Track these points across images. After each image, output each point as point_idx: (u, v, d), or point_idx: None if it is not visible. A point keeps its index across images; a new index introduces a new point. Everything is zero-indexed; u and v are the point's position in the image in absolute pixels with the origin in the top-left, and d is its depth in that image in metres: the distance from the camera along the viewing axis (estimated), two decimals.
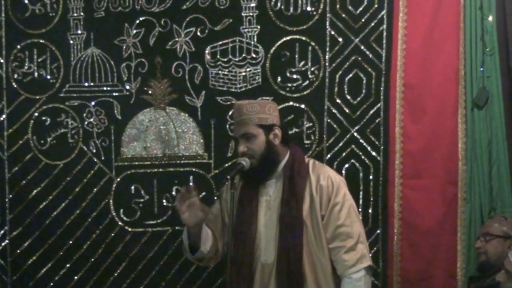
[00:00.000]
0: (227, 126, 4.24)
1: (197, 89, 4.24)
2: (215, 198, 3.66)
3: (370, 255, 4.08)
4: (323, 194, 3.35)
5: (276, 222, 3.35)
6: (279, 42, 4.20)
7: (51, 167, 4.27)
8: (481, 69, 4.08)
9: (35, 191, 4.26)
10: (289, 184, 3.36)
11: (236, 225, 3.34)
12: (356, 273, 3.28)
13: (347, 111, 4.17)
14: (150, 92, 4.26)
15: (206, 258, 3.44)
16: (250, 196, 3.42)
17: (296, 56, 4.20)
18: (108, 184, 4.27)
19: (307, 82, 4.20)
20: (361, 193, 4.14)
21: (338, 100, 4.18)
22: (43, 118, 4.29)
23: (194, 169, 4.25)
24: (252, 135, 3.36)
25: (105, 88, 4.28)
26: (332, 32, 4.17)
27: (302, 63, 4.20)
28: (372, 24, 4.14)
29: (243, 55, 4.22)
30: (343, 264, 3.30)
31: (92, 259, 4.25)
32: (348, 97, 4.18)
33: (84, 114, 4.29)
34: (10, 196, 4.28)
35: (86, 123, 4.29)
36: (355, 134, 4.17)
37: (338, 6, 4.16)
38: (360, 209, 4.12)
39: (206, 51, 4.24)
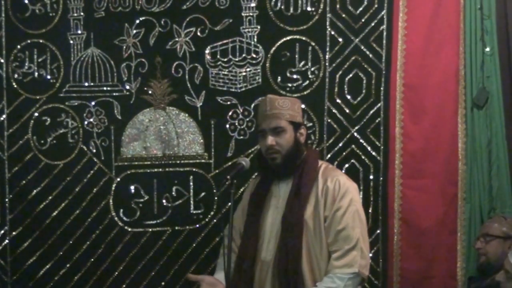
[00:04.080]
0: (227, 126, 4.24)
1: (197, 89, 4.24)
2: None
3: (370, 254, 4.10)
4: (328, 195, 3.33)
5: (280, 221, 3.37)
6: (279, 42, 4.20)
7: (51, 167, 4.27)
8: (481, 69, 4.08)
9: (35, 191, 4.26)
10: (297, 185, 3.37)
11: (246, 221, 3.41)
12: (341, 274, 3.23)
13: (347, 111, 4.18)
14: (150, 92, 4.26)
15: None
16: (261, 194, 3.45)
17: (296, 56, 4.20)
18: (108, 184, 4.27)
19: (307, 82, 4.20)
20: (361, 193, 4.14)
21: (338, 100, 4.18)
22: (43, 118, 4.28)
23: (194, 169, 4.25)
24: (283, 129, 3.38)
25: (105, 88, 4.28)
26: (332, 32, 4.18)
27: (302, 63, 4.20)
28: (372, 24, 4.15)
29: (243, 55, 4.22)
30: (332, 263, 3.28)
31: (92, 259, 4.24)
32: (348, 97, 4.18)
33: (84, 114, 4.28)
34: (10, 196, 4.27)
35: (86, 123, 4.29)
36: (355, 134, 4.17)
37: (338, 6, 4.17)
38: None
39: (206, 51, 4.24)
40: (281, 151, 3.36)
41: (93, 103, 4.29)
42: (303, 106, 4.14)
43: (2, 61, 4.29)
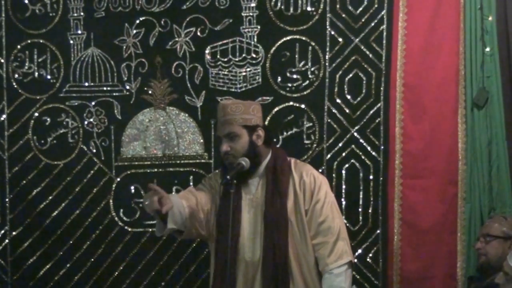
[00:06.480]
0: None
1: (197, 89, 4.24)
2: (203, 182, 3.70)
3: (370, 255, 4.11)
4: (306, 189, 3.41)
5: (261, 220, 3.39)
6: (279, 42, 4.20)
7: (51, 167, 4.27)
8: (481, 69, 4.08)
9: (35, 191, 4.27)
10: (273, 182, 3.40)
11: (219, 220, 3.41)
12: (337, 268, 3.31)
13: (347, 111, 4.17)
14: (150, 92, 4.27)
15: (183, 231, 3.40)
16: (232, 192, 3.41)
17: (296, 56, 4.19)
18: (108, 184, 4.27)
19: (307, 82, 4.20)
20: (361, 193, 4.15)
21: (338, 100, 4.18)
22: (44, 118, 4.29)
23: (194, 169, 4.25)
24: (236, 135, 3.40)
25: (105, 88, 4.28)
26: (332, 32, 4.17)
27: (302, 63, 4.20)
28: (372, 24, 4.14)
29: (243, 55, 4.22)
30: (324, 260, 3.34)
31: (92, 259, 4.25)
32: (348, 97, 4.18)
33: (84, 114, 4.29)
34: (11, 196, 4.28)
35: (86, 123, 4.29)
36: (355, 134, 4.17)
37: (338, 6, 4.16)
38: (360, 209, 4.14)
39: (206, 51, 4.24)
40: (236, 155, 3.38)
41: (93, 103, 4.29)
42: (303, 106, 4.18)
43: (2, 61, 4.29)
